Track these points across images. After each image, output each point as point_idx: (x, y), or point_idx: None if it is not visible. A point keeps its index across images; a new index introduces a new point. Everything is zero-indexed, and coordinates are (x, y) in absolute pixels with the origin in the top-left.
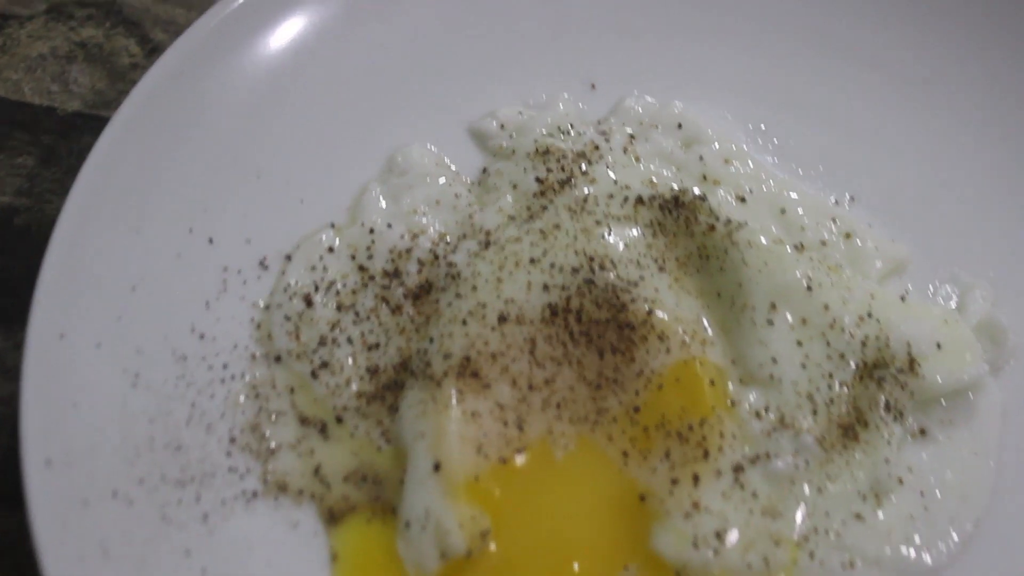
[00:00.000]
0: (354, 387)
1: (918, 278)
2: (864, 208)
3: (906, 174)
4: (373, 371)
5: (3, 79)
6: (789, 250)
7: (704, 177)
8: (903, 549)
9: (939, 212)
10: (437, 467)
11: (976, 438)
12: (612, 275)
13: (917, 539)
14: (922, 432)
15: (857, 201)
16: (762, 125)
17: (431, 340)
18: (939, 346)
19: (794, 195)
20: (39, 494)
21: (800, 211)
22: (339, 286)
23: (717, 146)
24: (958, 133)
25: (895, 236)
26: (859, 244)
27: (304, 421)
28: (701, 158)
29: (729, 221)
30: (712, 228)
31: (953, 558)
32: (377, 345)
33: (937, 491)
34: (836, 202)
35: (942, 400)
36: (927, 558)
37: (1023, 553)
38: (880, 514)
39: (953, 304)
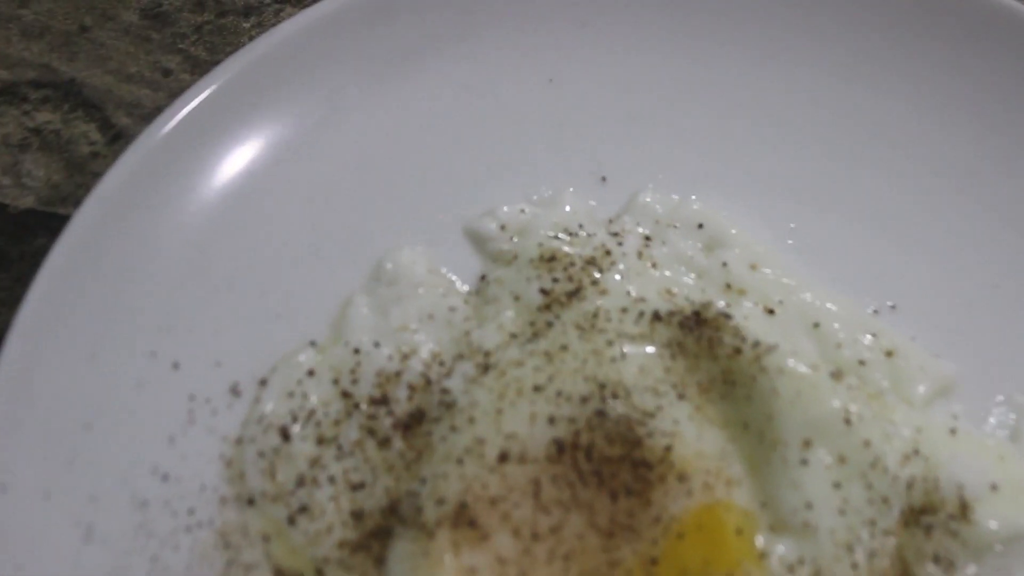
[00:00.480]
0: (337, 535)
1: (968, 400)
2: (906, 318)
3: (953, 278)
4: (358, 516)
5: None
6: (825, 377)
7: (728, 286)
8: None
9: (992, 322)
10: None
11: None
12: (626, 405)
13: None
14: None
15: (899, 310)
16: (791, 224)
17: (423, 481)
18: (994, 487)
19: (830, 305)
20: None
21: (836, 325)
22: (320, 415)
23: (741, 250)
24: (1011, 233)
25: (941, 351)
26: (902, 363)
27: (279, 573)
28: (725, 264)
29: (757, 343)
30: (739, 351)
31: None
32: (363, 484)
33: None
34: (876, 311)
35: (996, 546)
36: None
37: None
38: None
39: (1007, 432)
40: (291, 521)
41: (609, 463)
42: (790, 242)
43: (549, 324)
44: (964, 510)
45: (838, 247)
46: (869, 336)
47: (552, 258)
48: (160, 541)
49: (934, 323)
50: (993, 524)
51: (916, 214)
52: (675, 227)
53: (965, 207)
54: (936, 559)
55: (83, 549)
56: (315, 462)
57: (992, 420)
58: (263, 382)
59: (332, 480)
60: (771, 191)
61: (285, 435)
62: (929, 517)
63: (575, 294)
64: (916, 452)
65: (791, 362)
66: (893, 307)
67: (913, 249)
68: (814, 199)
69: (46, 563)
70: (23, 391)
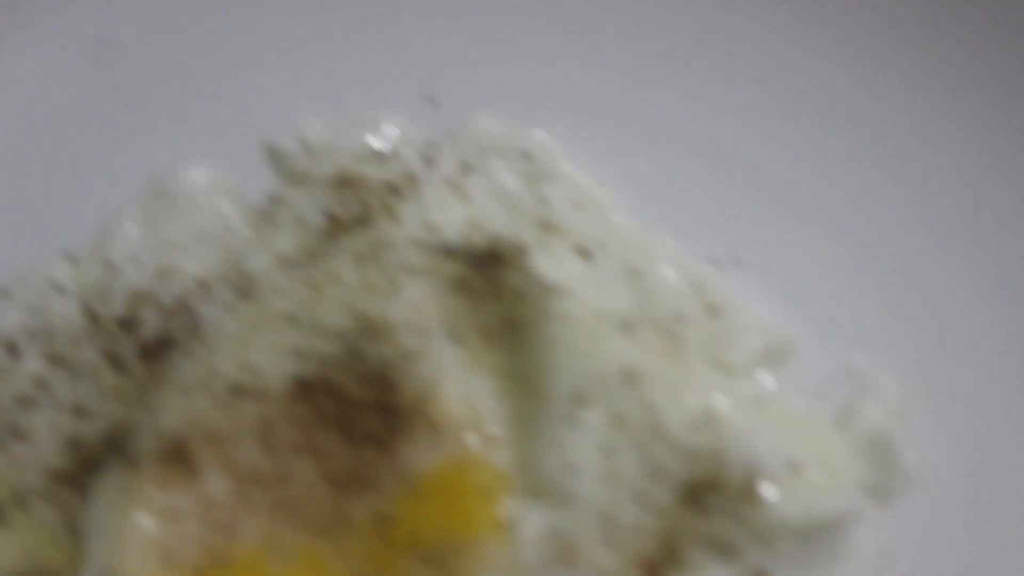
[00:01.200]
0: (47, 462)
1: (807, 371)
2: (750, 274)
3: (812, 234)
4: (74, 444)
5: None
6: (612, 329)
7: (544, 224)
8: None
9: (848, 283)
10: (108, 574)
11: None
12: (387, 345)
13: None
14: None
15: (743, 263)
16: (636, 165)
17: (147, 411)
18: (795, 468)
19: (657, 253)
20: None
21: (659, 275)
22: (58, 335)
23: (568, 186)
24: (881, 188)
25: (786, 313)
26: (725, 323)
27: None
28: (543, 200)
29: (545, 286)
30: (523, 293)
31: None
32: (88, 411)
33: None
34: (715, 263)
35: (800, 539)
36: None
37: None
38: None
39: (837, 410)
40: (1, 444)
41: (355, 408)
42: (629, 184)
43: (327, 252)
44: (751, 490)
45: (684, 192)
46: (694, 291)
47: (348, 181)
48: None
49: (780, 280)
50: (785, 508)
51: (782, 160)
52: (500, 156)
53: (836, 156)
54: (712, 544)
55: None
56: (41, 384)
57: (824, 395)
58: (4, 292)
59: (56, 404)
60: (619, 127)
61: (13, 351)
62: (711, 496)
63: (364, 220)
64: (708, 422)
65: (574, 308)
66: (738, 262)
67: (771, 199)
68: (665, 140)
69: None
70: None
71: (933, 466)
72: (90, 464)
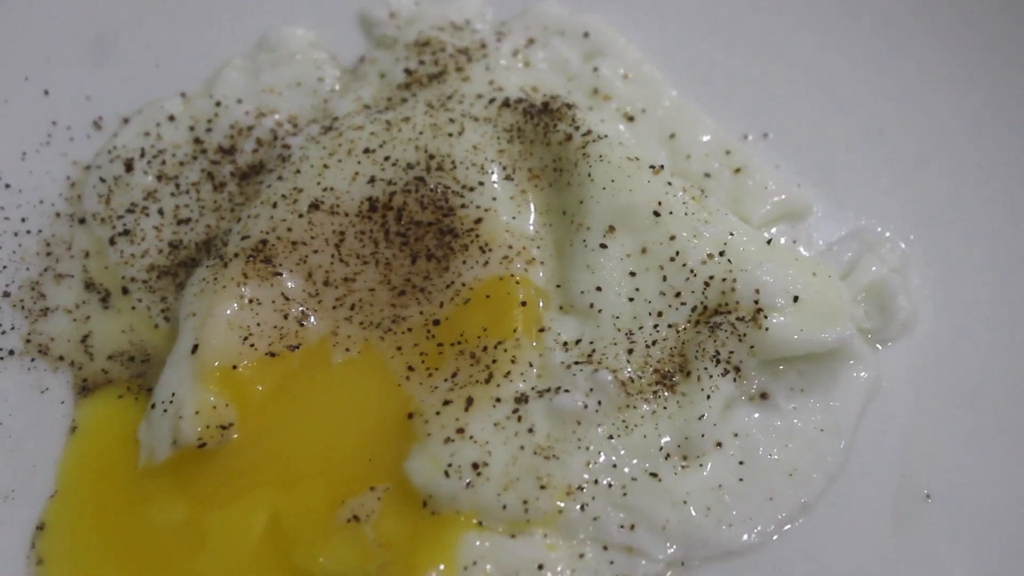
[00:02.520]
0: (150, 259)
1: (819, 231)
2: (776, 148)
3: (837, 118)
4: (175, 246)
5: None
6: (643, 170)
7: (595, 91)
8: (698, 521)
9: (863, 161)
10: (195, 349)
11: (829, 414)
12: (448, 177)
13: (719, 512)
14: (763, 396)
15: (770, 139)
16: (682, 49)
17: (238, 220)
18: (796, 299)
19: (693, 122)
20: None
21: (694, 139)
22: (168, 155)
23: (620, 60)
24: (901, 76)
25: (805, 182)
26: (748, 182)
27: (89, 286)
28: (596, 70)
29: (588, 132)
30: (569, 138)
31: (758, 541)
32: (188, 220)
33: (762, 463)
34: (746, 137)
35: (800, 367)
36: (725, 535)
37: (845, 550)
38: (682, 477)
39: (840, 265)
40: (112, 242)
41: (417, 227)
42: (674, 64)
43: (403, 100)
44: (757, 314)
45: (722, 74)
46: (724, 154)
47: (426, 44)
48: None
49: (802, 155)
50: (785, 333)
51: (810, 49)
52: (562, 35)
53: (859, 48)
54: (716, 359)
55: None
56: (150, 194)
57: (832, 253)
58: (126, 120)
59: (161, 212)
60: (668, 15)
61: (128, 166)
62: (721, 319)
63: (437, 77)
64: (722, 254)
65: (613, 151)
66: (766, 136)
67: (799, 82)
68: (709, 29)
69: None
70: None
71: (924, 318)
72: (187, 263)
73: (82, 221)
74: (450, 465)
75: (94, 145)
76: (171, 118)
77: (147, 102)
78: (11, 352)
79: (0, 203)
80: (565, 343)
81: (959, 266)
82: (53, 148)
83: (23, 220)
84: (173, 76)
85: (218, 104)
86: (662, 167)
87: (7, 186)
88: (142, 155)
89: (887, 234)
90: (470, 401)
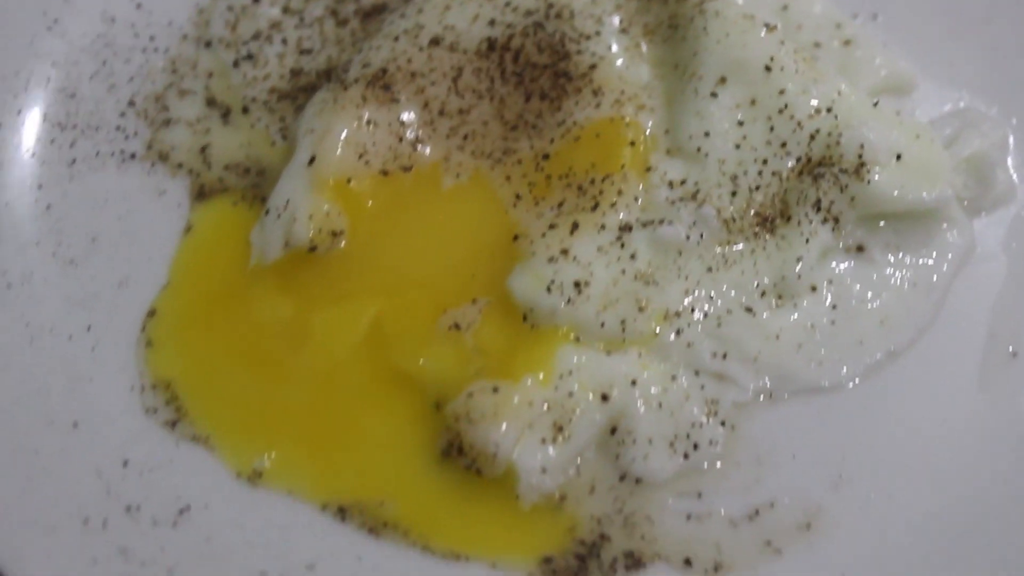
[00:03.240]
0: (271, 83)
1: (923, 108)
2: (885, 27)
3: (944, 3)
4: (296, 72)
5: None
6: (758, 27)
7: None
8: (788, 356)
9: (970, 46)
10: (311, 160)
11: (923, 272)
12: (566, 24)
13: (810, 350)
14: (859, 248)
15: (879, 21)
16: None
17: (359, 52)
18: (899, 157)
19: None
20: None
21: (806, 10)
22: None
23: None
24: None
25: (912, 61)
26: (857, 54)
27: (211, 103)
28: None
29: None
30: None
31: (844, 383)
32: (310, 51)
33: (854, 310)
34: (856, 16)
35: (896, 225)
36: (814, 372)
37: (929, 399)
38: (776, 314)
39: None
40: (236, 64)
41: (532, 68)
42: None
43: None
44: (860, 168)
45: None
46: (834, 27)
47: None
48: (115, 51)
49: (911, 37)
50: (885, 188)
51: None
52: None
53: None
54: (818, 206)
55: (44, 35)
56: (275, 25)
57: (935, 125)
58: None
59: (285, 42)
60: None
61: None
62: (824, 168)
63: None
64: (829, 110)
65: (729, 8)
66: (874, 16)
67: None
68: None
69: None
70: None
71: (1021, 194)
72: (307, 88)
73: (208, 44)
74: (552, 282)
75: None
76: None
77: None
78: (133, 156)
79: (131, 20)
80: (670, 182)
81: None
82: None
83: (151, 39)
84: None
85: None
86: (776, 26)
87: (138, 6)
88: None
89: (991, 113)
90: (575, 226)
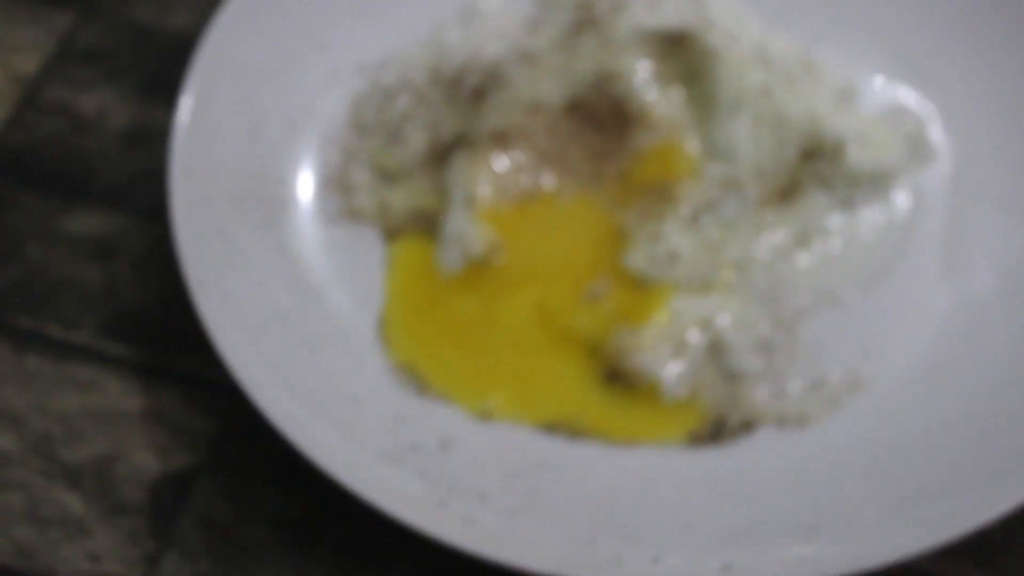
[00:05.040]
0: (418, 151)
1: (870, 100)
2: (830, 51)
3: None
4: (433, 142)
5: None
6: (754, 66)
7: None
8: (818, 279)
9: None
10: (468, 198)
11: (892, 213)
12: (619, 83)
13: (832, 275)
14: (848, 204)
15: (822, 44)
16: None
17: (478, 119)
18: (861, 140)
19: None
20: None
21: (774, 45)
22: (417, 84)
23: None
24: None
25: (852, 69)
26: (816, 73)
27: (375, 173)
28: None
29: (716, 53)
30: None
31: (857, 293)
32: (439, 125)
33: (852, 243)
34: (807, 47)
35: (869, 187)
36: (840, 289)
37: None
38: (804, 254)
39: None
40: (388, 142)
41: (603, 115)
42: None
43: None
44: (841, 149)
45: None
46: (796, 56)
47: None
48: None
49: (852, 53)
50: (857, 162)
51: None
52: None
53: None
54: (820, 181)
55: None
56: (410, 111)
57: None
58: (381, 65)
59: (419, 121)
60: None
61: (389, 96)
62: (816, 154)
63: (584, 23)
64: (812, 116)
65: (729, 53)
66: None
67: None
68: None
69: None
70: None
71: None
72: (445, 151)
73: (363, 129)
74: (654, 256)
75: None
76: (410, 66)
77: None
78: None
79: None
80: (716, 177)
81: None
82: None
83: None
84: (400, 34)
85: (443, 50)
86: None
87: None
88: (397, 88)
89: (917, 96)
90: (660, 217)
